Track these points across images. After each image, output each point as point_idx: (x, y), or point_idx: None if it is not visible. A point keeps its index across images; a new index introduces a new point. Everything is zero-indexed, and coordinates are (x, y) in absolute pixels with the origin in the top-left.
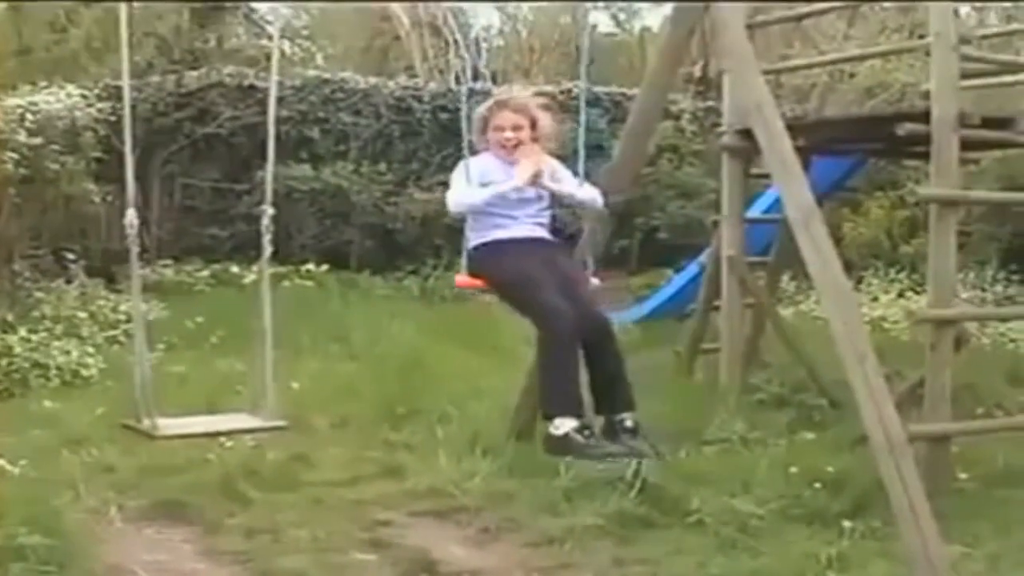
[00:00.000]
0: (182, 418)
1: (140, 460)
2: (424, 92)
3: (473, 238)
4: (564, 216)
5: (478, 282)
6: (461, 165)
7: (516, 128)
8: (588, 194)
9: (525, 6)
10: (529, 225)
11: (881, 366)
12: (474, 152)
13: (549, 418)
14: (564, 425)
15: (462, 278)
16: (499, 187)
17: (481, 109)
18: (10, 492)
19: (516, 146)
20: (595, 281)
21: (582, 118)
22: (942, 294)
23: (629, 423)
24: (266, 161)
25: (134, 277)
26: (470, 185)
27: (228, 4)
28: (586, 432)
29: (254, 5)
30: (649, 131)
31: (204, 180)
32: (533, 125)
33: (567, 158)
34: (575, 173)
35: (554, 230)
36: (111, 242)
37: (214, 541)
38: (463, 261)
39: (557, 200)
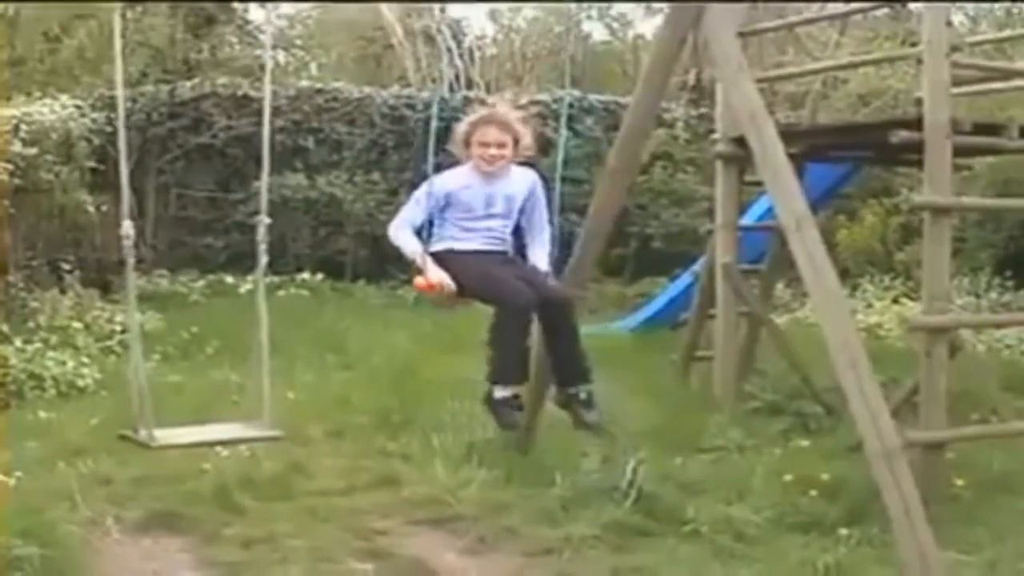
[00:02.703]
0: (178, 428)
1: (136, 471)
2: (417, 101)
3: (434, 243)
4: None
5: (439, 281)
6: (424, 186)
7: (500, 145)
8: (539, 259)
9: (519, 16)
10: (487, 239)
11: (876, 373)
12: (447, 164)
13: (493, 383)
14: (501, 392)
15: (421, 280)
16: (416, 255)
17: (464, 123)
18: (6, 504)
19: (499, 160)
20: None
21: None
22: (936, 301)
23: (583, 395)
24: (261, 171)
25: (130, 288)
26: (417, 207)
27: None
28: (515, 401)
29: (249, 16)
30: (643, 136)
31: (199, 190)
32: (516, 142)
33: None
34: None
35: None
36: (106, 252)
37: (211, 551)
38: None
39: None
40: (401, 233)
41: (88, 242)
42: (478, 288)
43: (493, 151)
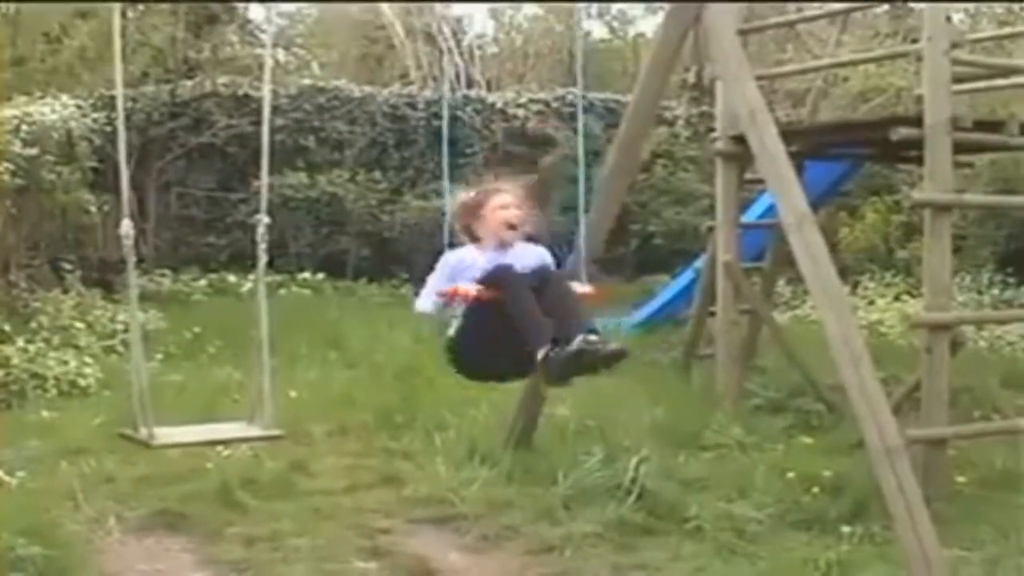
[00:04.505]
0: (179, 427)
1: (139, 470)
2: (418, 100)
3: (455, 324)
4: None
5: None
6: (442, 259)
7: (518, 206)
8: None
9: (520, 15)
10: None
11: (877, 370)
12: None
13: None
14: (542, 352)
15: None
16: (438, 299)
17: (464, 198)
18: (8, 503)
19: (522, 222)
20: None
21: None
22: (938, 298)
23: (590, 339)
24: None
25: (131, 287)
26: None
27: (223, 8)
28: (556, 350)
29: (250, 15)
30: (644, 134)
31: (200, 189)
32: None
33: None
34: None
35: None
36: (108, 251)
37: (213, 550)
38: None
39: None
40: (425, 303)
41: (90, 242)
42: (485, 283)
43: (515, 211)
